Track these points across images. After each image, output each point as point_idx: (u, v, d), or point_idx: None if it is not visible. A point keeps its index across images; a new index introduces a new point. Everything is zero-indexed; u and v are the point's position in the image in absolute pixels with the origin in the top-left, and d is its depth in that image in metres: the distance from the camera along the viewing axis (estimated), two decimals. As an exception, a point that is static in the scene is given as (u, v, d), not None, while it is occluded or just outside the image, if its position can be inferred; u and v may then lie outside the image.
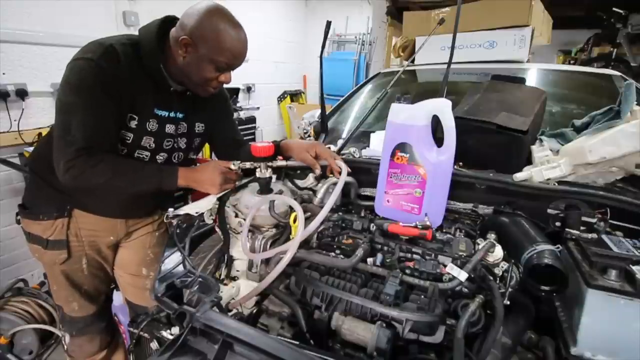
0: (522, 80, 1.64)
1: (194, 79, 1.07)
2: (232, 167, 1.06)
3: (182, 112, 1.17)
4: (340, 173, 1.06)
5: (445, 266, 0.83)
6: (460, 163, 1.18)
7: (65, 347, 1.40)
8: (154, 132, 1.11)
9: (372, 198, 1.15)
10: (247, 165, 1.06)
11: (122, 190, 1.12)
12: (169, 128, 1.14)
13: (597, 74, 1.89)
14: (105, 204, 1.21)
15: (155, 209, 1.37)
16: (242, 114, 4.26)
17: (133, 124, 1.06)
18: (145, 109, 1.08)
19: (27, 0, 2.28)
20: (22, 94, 2.28)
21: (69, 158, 0.97)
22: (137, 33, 1.08)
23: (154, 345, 0.84)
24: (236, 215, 1.06)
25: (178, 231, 1.07)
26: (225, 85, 1.35)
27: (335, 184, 1.07)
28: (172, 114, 1.14)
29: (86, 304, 1.32)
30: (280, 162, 1.10)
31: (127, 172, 1.04)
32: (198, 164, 1.20)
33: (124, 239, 1.33)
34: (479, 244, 0.90)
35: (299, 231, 0.84)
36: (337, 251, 0.95)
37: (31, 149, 2.23)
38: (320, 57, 1.48)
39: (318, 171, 1.16)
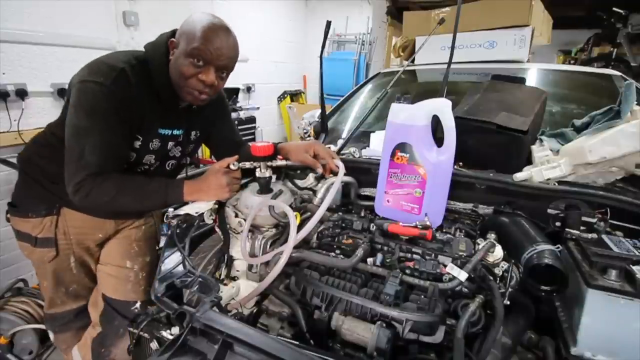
0: (522, 80, 1.64)
1: (174, 78, 1.04)
2: (232, 167, 1.06)
3: (184, 127, 1.17)
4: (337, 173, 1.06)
5: (445, 266, 0.84)
6: (460, 163, 1.18)
7: (54, 343, 1.40)
8: (155, 150, 1.11)
9: (372, 198, 1.15)
10: (247, 165, 1.06)
11: (130, 208, 1.10)
12: (170, 145, 1.16)
13: (597, 74, 1.89)
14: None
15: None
16: (242, 114, 4.26)
17: (137, 144, 1.07)
18: (150, 129, 1.08)
19: (27, 0, 2.28)
20: (22, 94, 2.28)
21: (78, 180, 0.97)
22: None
23: (154, 345, 0.84)
24: (236, 215, 1.06)
25: (178, 231, 1.07)
26: (225, 86, 1.35)
27: (335, 183, 1.07)
28: (175, 132, 1.14)
29: (70, 301, 1.31)
30: (279, 162, 1.09)
31: (132, 189, 1.03)
32: (201, 165, 1.19)
33: (112, 235, 1.32)
34: (479, 244, 0.90)
35: (291, 237, 0.84)
36: (337, 251, 0.95)
37: (31, 149, 2.23)
38: (320, 57, 1.48)
39: (320, 170, 1.15)
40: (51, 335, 1.37)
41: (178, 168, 1.29)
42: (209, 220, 1.08)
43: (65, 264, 1.25)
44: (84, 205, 1.02)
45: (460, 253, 0.88)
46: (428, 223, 0.95)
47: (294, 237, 0.84)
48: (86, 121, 0.97)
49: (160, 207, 1.08)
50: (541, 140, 1.17)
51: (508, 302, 0.78)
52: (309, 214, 1.08)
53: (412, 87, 2.24)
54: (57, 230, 1.20)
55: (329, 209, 1.11)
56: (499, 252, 0.84)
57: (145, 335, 0.83)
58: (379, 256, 0.92)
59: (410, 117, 0.99)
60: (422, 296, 0.79)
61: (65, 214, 1.20)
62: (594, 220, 0.87)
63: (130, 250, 1.34)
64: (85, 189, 0.98)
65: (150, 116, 1.05)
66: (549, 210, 0.94)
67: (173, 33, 1.06)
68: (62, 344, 1.38)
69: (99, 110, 0.96)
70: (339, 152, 1.35)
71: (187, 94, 1.05)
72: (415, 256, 0.91)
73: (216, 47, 1.00)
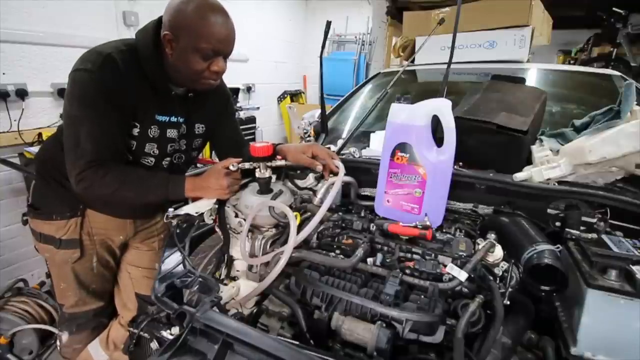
0: (522, 80, 1.64)
1: (185, 74, 1.03)
2: (231, 168, 1.06)
3: (183, 115, 1.17)
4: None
5: (445, 266, 0.83)
6: (460, 163, 1.18)
7: (59, 348, 1.40)
8: (156, 138, 1.11)
9: (372, 198, 1.15)
10: (247, 165, 1.06)
11: (131, 201, 1.12)
12: (171, 133, 1.14)
13: (597, 74, 1.89)
14: (114, 205, 1.22)
15: (160, 207, 1.38)
16: (242, 114, 4.26)
17: (135, 131, 1.07)
18: (147, 116, 1.07)
19: (27, 0, 2.28)
20: (22, 94, 2.28)
21: (79, 170, 0.98)
22: (134, 36, 1.07)
23: (154, 345, 0.84)
24: (236, 215, 1.06)
25: (178, 231, 1.07)
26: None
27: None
28: (173, 119, 1.14)
29: (91, 300, 1.33)
30: (279, 162, 1.09)
31: (134, 183, 1.04)
32: (199, 165, 1.19)
33: (132, 238, 1.36)
34: (479, 244, 0.90)
35: (291, 238, 0.84)
36: (337, 251, 0.95)
37: (31, 149, 2.23)
38: (320, 57, 1.49)
39: (319, 168, 1.15)
40: (64, 336, 1.37)
41: (187, 163, 1.30)
42: (209, 220, 1.08)
43: (88, 264, 1.28)
44: (87, 195, 1.04)
45: (460, 253, 0.88)
46: (428, 223, 0.95)
47: (294, 238, 0.84)
48: (78, 109, 0.98)
49: (162, 202, 1.09)
50: (541, 140, 1.17)
51: (508, 302, 0.78)
52: (309, 214, 1.08)
53: (412, 87, 2.24)
54: (82, 231, 1.22)
55: (329, 209, 1.11)
56: (499, 252, 0.84)
57: (145, 335, 0.83)
58: (379, 256, 0.92)
59: (410, 117, 0.99)
60: (422, 296, 0.79)
61: (89, 215, 1.22)
62: (594, 220, 0.87)
63: (157, 257, 1.42)
64: (87, 181, 0.99)
65: (143, 101, 1.05)
66: (549, 210, 0.95)
67: (160, 20, 1.03)
68: (76, 344, 1.39)
69: (89, 97, 0.97)
70: (339, 152, 1.35)
71: (201, 85, 1.07)
72: (415, 256, 0.91)
73: (223, 38, 0.99)
